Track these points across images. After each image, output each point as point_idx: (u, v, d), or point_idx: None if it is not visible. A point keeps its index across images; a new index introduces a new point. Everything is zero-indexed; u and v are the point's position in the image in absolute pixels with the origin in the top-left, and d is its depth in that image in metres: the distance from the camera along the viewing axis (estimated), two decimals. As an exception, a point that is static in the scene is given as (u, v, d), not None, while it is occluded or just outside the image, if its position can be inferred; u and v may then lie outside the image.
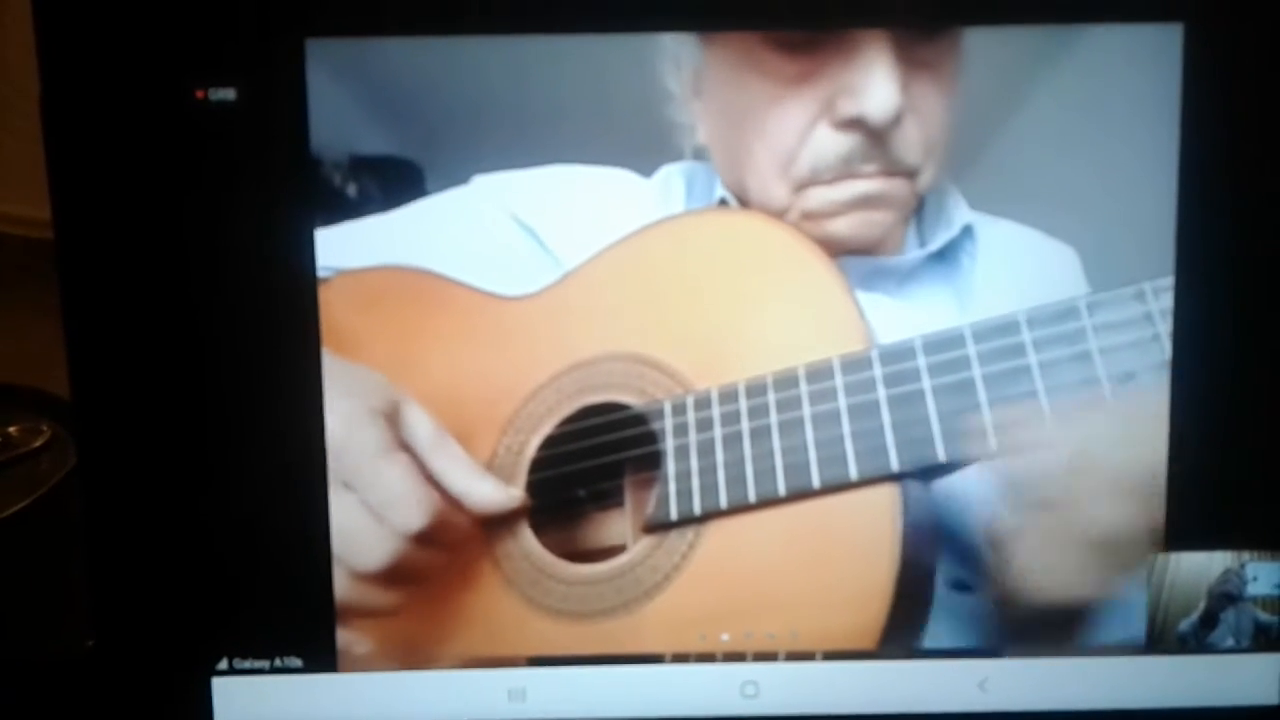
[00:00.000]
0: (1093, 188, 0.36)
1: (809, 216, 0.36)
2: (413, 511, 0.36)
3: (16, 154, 0.52)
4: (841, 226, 0.36)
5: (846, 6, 0.35)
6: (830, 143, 0.36)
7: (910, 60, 0.35)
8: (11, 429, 0.48)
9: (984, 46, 0.35)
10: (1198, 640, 0.38)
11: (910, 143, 0.36)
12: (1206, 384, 0.36)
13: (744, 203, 0.37)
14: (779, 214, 0.37)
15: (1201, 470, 0.37)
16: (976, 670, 0.38)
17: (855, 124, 0.35)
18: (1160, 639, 0.38)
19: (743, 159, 0.37)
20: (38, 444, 0.48)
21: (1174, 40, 0.35)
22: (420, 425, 0.37)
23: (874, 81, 0.35)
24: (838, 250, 0.37)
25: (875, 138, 0.36)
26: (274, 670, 0.38)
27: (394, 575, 0.37)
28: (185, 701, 0.38)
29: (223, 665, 0.38)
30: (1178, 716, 0.38)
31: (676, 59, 0.35)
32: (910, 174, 0.36)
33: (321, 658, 0.38)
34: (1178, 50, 0.35)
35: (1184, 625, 0.38)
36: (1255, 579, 0.37)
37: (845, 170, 0.36)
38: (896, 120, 0.35)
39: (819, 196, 0.36)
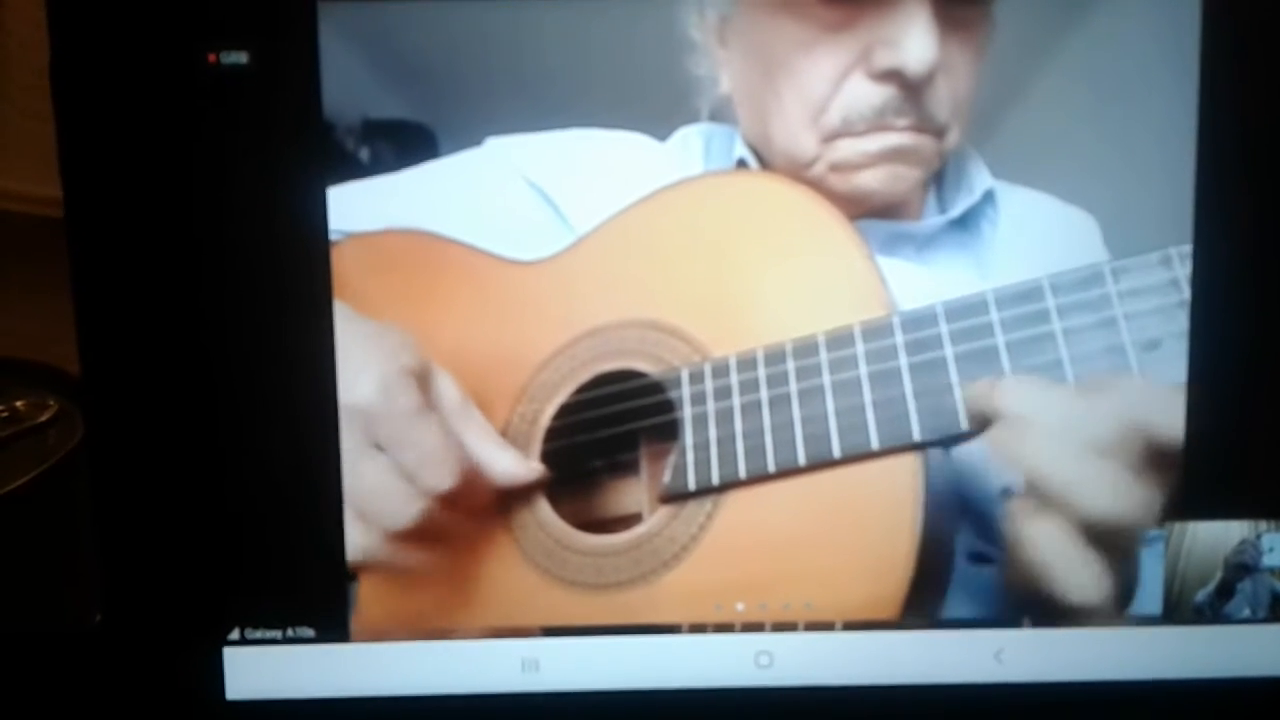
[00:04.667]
0: (1112, 155, 0.36)
1: (836, 168, 0.36)
2: (443, 472, 0.36)
3: (21, 131, 0.52)
4: (869, 179, 0.36)
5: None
6: (864, 93, 0.36)
7: (946, 18, 0.35)
8: (18, 403, 0.48)
9: (1012, 11, 0.35)
10: (1214, 611, 0.38)
11: (941, 100, 0.35)
12: (1224, 353, 0.36)
13: (766, 158, 0.37)
14: (806, 165, 0.36)
15: (1218, 440, 0.36)
16: (992, 641, 0.38)
17: (891, 75, 0.35)
18: (1176, 610, 0.38)
19: (770, 108, 0.36)
20: (45, 418, 0.47)
21: (1192, 7, 0.35)
22: (447, 391, 0.36)
23: (914, 34, 0.35)
24: (863, 205, 0.36)
25: (910, 91, 0.35)
26: (286, 640, 0.37)
27: (419, 535, 0.37)
28: (196, 672, 0.38)
29: (234, 635, 0.37)
30: (1194, 687, 0.38)
31: (701, 6, 0.35)
32: (939, 132, 0.36)
33: (334, 628, 0.37)
34: (1196, 17, 0.35)
35: (1200, 596, 0.38)
36: (1272, 550, 0.37)
37: (877, 122, 0.36)
38: (931, 75, 0.35)
39: (849, 148, 0.36)
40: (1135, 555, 0.37)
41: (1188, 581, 0.37)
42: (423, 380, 0.36)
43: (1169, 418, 0.36)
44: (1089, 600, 0.36)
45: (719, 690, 0.38)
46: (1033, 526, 0.35)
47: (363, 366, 0.36)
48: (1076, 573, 0.35)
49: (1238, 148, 0.35)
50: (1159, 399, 0.36)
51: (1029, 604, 0.36)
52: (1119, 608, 0.37)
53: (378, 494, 0.36)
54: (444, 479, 0.36)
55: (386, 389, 0.36)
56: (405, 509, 0.36)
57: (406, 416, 0.36)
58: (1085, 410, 0.35)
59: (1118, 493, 0.35)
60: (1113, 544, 0.35)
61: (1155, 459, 0.35)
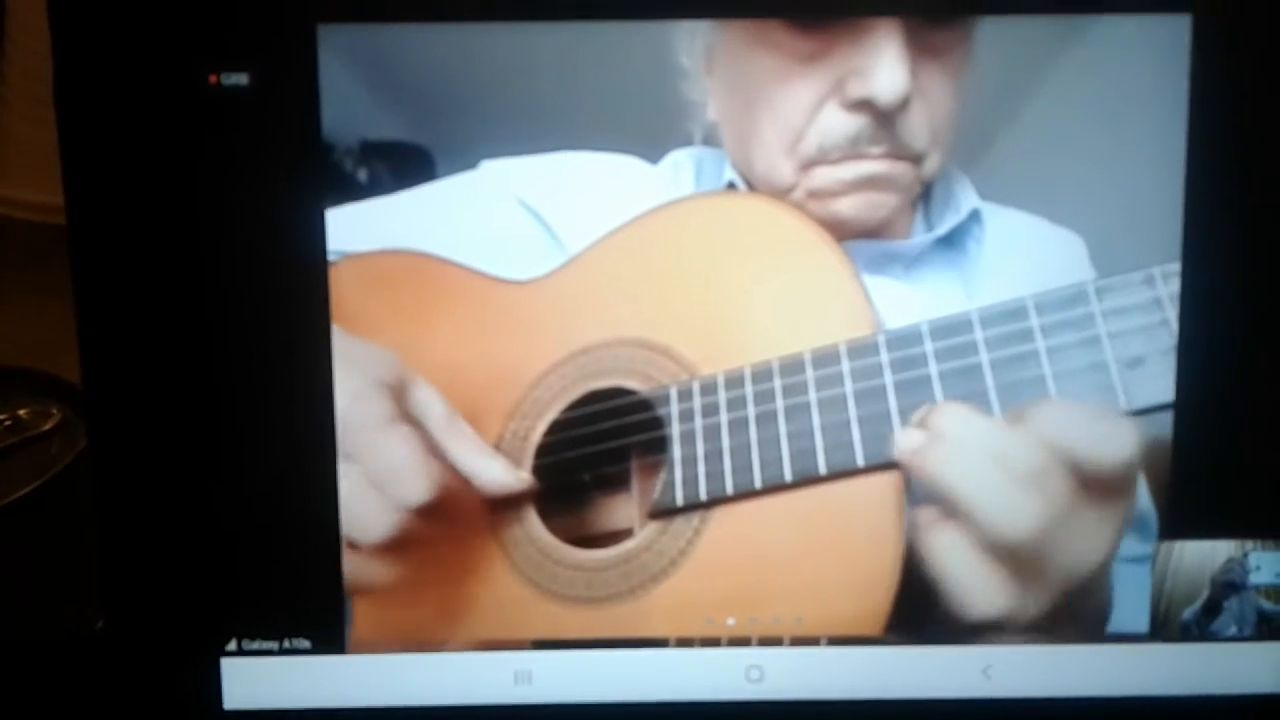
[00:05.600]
0: (1100, 177, 0.36)
1: (814, 195, 0.37)
2: (415, 485, 0.36)
3: (25, 139, 0.53)
4: (845, 206, 0.37)
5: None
6: (838, 122, 0.36)
7: (921, 45, 0.35)
8: (22, 412, 0.48)
9: (995, 36, 0.35)
10: (1201, 629, 0.38)
11: (917, 127, 0.36)
12: (1212, 372, 0.36)
13: (752, 184, 0.37)
14: (784, 192, 0.37)
15: (1205, 459, 0.37)
16: (980, 657, 0.38)
17: (863, 105, 0.36)
18: (1163, 627, 0.38)
19: (750, 136, 0.37)
20: (48, 426, 0.48)
21: (1182, 31, 0.35)
22: (432, 404, 0.37)
23: (884, 64, 0.35)
24: (841, 232, 0.37)
25: (883, 120, 0.36)
26: (282, 651, 0.38)
27: (397, 549, 0.37)
28: (194, 682, 0.38)
29: (231, 646, 0.38)
30: (1180, 704, 0.38)
31: (691, 34, 0.36)
32: (915, 159, 0.36)
33: (330, 639, 0.38)
34: (1186, 41, 0.35)
35: (1187, 614, 0.38)
36: (1258, 568, 0.38)
37: (851, 151, 0.36)
38: (904, 104, 0.35)
39: (824, 175, 0.36)
40: (1089, 582, 0.36)
41: (1175, 599, 0.38)
42: (399, 393, 0.37)
43: (1095, 443, 0.35)
44: (988, 616, 0.36)
45: (710, 704, 0.39)
46: (935, 537, 0.36)
47: (337, 382, 0.36)
48: (973, 587, 0.36)
49: (1227, 167, 0.36)
50: (1086, 424, 0.36)
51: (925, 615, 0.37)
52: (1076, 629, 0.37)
53: (351, 507, 0.37)
54: (417, 491, 0.36)
55: (355, 400, 0.36)
56: (379, 522, 0.37)
57: (373, 427, 0.36)
58: (1008, 434, 0.35)
59: (1026, 514, 0.35)
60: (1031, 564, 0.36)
61: (1089, 484, 0.35)
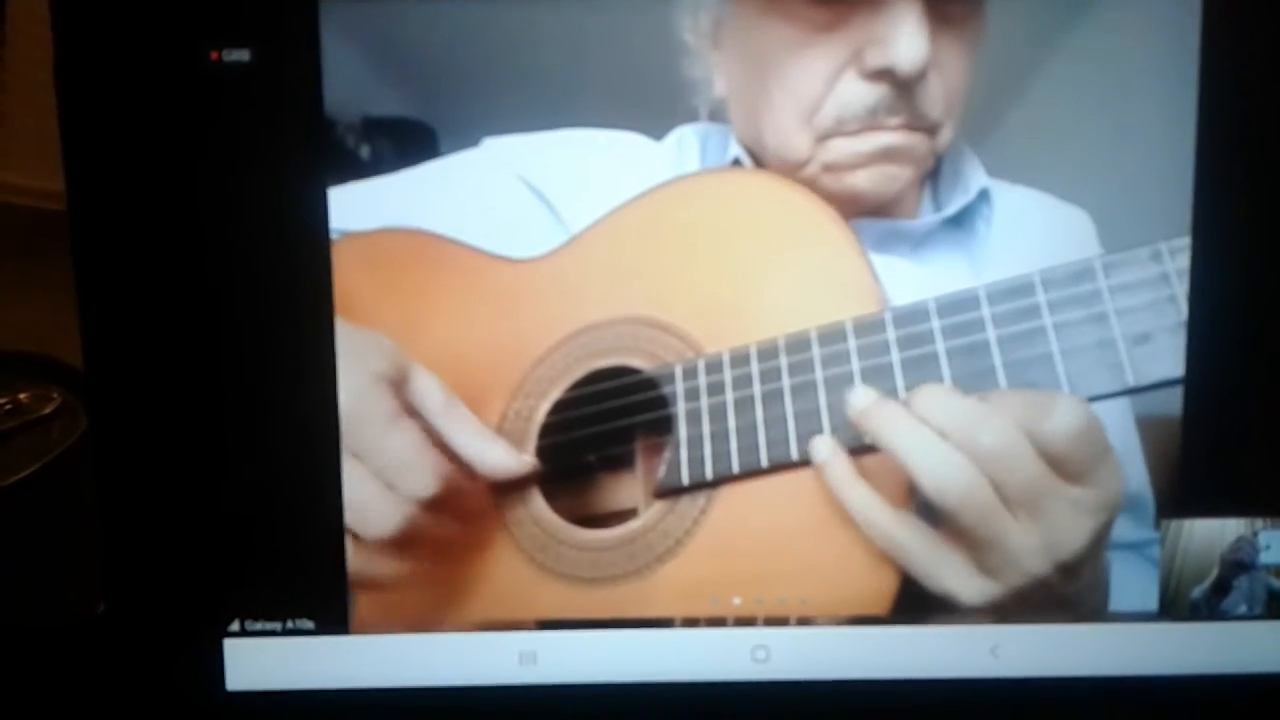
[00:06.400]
0: (1108, 152, 0.36)
1: (829, 168, 0.36)
2: (423, 478, 0.36)
3: (26, 125, 0.52)
4: (861, 179, 0.36)
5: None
6: (857, 92, 0.36)
7: (937, 15, 0.35)
8: (22, 395, 0.48)
9: (1007, 7, 0.35)
10: (1210, 608, 0.38)
11: (934, 97, 0.36)
12: (1222, 349, 0.36)
13: (760, 160, 0.37)
14: (799, 165, 0.37)
15: (1215, 437, 0.36)
16: (988, 636, 0.38)
17: (883, 75, 0.35)
18: (1173, 606, 0.38)
19: (763, 109, 0.36)
20: (48, 410, 0.48)
21: (1193, 5, 0.35)
22: (430, 392, 0.37)
23: (904, 33, 0.35)
24: (854, 206, 0.37)
25: (902, 90, 0.35)
26: (286, 632, 0.38)
27: (405, 542, 0.37)
28: (197, 663, 0.38)
29: (234, 627, 0.38)
30: (1189, 683, 0.38)
31: (694, 9, 0.35)
32: (931, 130, 0.36)
33: (333, 620, 0.38)
34: (1196, 15, 0.35)
35: (1196, 592, 0.38)
36: (1268, 547, 0.37)
37: (870, 121, 0.36)
38: (923, 73, 0.35)
39: (841, 148, 0.36)
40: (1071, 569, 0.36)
41: (1184, 578, 0.37)
42: (398, 385, 0.36)
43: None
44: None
45: (717, 684, 0.38)
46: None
47: (340, 378, 0.36)
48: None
49: (1237, 143, 0.35)
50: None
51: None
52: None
53: (360, 504, 0.37)
54: (425, 484, 0.36)
55: (358, 397, 0.36)
56: (389, 516, 0.36)
57: (379, 424, 0.36)
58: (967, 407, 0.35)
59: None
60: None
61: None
